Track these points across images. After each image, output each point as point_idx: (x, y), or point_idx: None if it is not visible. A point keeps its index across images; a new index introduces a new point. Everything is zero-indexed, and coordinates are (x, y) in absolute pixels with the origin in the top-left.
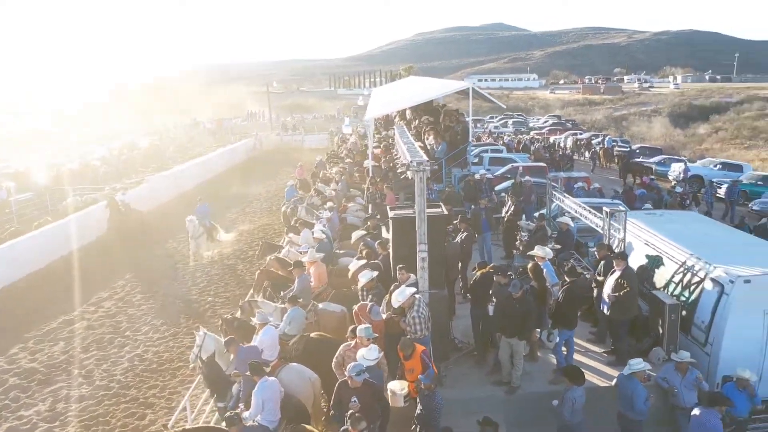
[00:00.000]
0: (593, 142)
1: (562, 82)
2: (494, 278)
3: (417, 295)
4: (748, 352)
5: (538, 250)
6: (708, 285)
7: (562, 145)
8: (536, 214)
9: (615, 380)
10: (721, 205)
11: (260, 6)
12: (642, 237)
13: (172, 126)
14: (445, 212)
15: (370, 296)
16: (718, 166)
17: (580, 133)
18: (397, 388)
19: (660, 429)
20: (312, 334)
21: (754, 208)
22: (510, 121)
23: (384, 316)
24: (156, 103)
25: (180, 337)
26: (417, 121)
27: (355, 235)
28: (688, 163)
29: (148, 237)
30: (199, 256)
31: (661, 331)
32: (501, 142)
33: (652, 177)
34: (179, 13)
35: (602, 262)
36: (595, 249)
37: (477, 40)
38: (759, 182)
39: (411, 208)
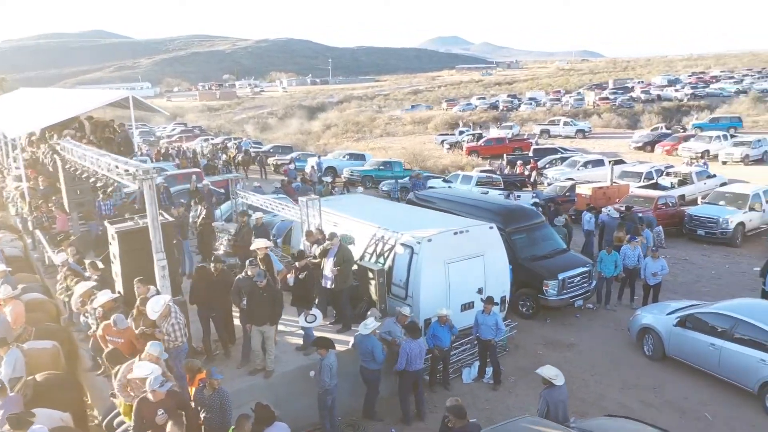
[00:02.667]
0: (228, 145)
1: (176, 89)
2: (245, 272)
3: (170, 303)
4: (438, 295)
5: (258, 243)
6: (399, 249)
7: (198, 150)
8: (232, 214)
9: (352, 342)
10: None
11: None
12: (330, 220)
13: None
14: (171, 219)
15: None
16: (346, 156)
17: (212, 138)
18: None
19: (389, 369)
20: (36, 376)
21: (383, 188)
22: (136, 132)
23: (137, 331)
24: None
25: None
26: (56, 135)
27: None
28: (321, 157)
29: None
30: None
31: (373, 295)
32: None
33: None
34: None
35: (314, 245)
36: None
37: (77, 48)
38: (381, 167)
39: (128, 221)
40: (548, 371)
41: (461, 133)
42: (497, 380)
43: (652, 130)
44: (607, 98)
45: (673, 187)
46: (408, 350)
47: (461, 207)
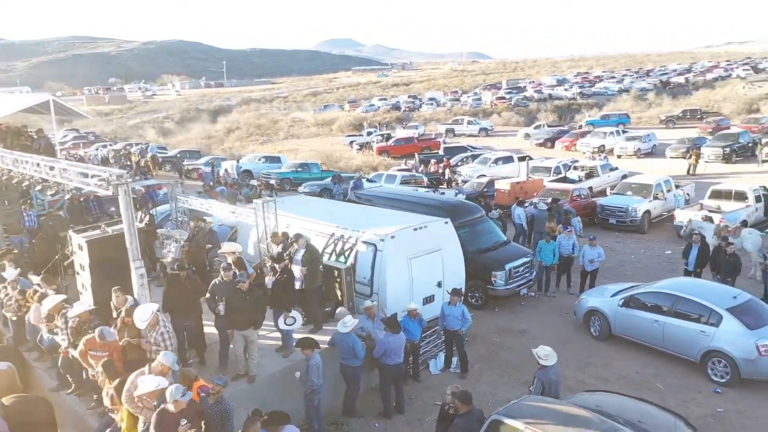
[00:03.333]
0: (132, 150)
1: (59, 94)
2: (220, 277)
3: (158, 312)
4: (402, 290)
5: (230, 247)
6: (361, 247)
7: (101, 156)
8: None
9: (330, 340)
10: None
11: None
12: (283, 222)
13: None
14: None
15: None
16: (261, 159)
17: (110, 144)
18: None
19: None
20: (2, 399)
21: (305, 190)
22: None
23: (122, 343)
24: None
25: None
26: None
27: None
28: (239, 160)
29: None
30: None
31: (339, 293)
32: None
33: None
34: None
35: (280, 247)
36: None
37: None
38: (298, 169)
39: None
40: (542, 350)
41: (369, 133)
42: (464, 369)
43: (535, 127)
44: (503, 98)
45: (580, 180)
46: (387, 343)
47: (406, 204)
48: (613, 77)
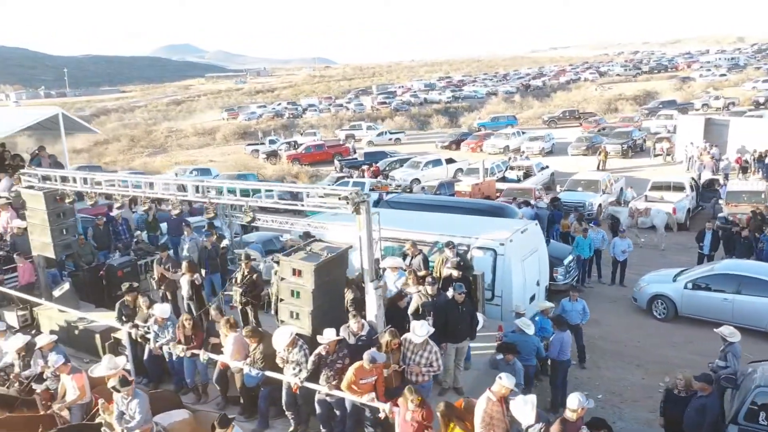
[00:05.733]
0: None
1: None
2: (420, 293)
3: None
4: (520, 291)
5: (392, 262)
6: (477, 253)
7: None
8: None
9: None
10: None
11: None
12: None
13: None
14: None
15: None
16: (193, 172)
17: None
18: None
19: None
20: None
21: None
22: None
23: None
24: None
25: None
26: None
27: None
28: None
29: None
30: None
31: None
32: None
33: None
34: None
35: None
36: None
37: None
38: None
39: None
40: (725, 330)
41: (272, 141)
42: (583, 359)
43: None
44: (384, 102)
45: (519, 180)
46: (562, 340)
47: (454, 209)
48: (474, 81)
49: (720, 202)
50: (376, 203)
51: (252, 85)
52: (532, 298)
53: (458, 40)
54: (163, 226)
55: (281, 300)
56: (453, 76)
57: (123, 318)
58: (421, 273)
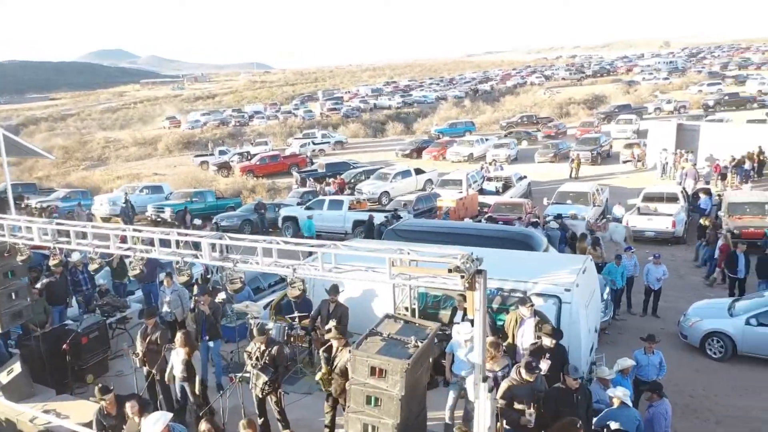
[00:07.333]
0: None
1: None
2: (515, 378)
3: None
4: (587, 346)
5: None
6: (538, 300)
7: None
8: None
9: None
10: None
11: None
12: None
13: None
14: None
15: None
16: (144, 191)
17: None
18: None
19: None
20: None
21: (222, 223)
22: None
23: None
24: None
25: None
26: None
27: None
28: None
29: None
30: None
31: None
32: None
33: None
34: None
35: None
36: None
37: None
38: (194, 199)
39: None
40: None
41: (222, 152)
42: None
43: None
44: (334, 108)
45: (498, 191)
46: (666, 414)
47: (476, 239)
48: (420, 86)
49: (720, 214)
50: (377, 232)
51: (191, 91)
52: (591, 349)
53: (393, 44)
54: None
55: (348, 407)
56: (398, 80)
57: None
58: (489, 339)
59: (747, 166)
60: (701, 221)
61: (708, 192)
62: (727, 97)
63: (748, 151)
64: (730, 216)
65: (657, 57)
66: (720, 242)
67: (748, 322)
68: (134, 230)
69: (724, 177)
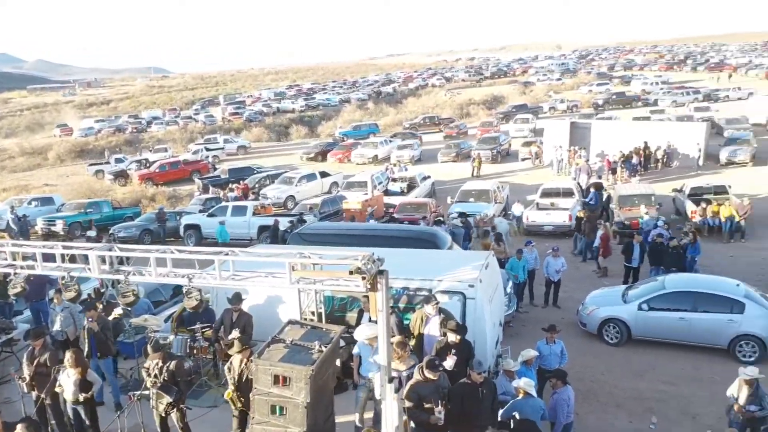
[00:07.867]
0: None
1: None
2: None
3: None
4: (492, 340)
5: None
6: (443, 297)
7: None
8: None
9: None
10: None
11: None
12: None
13: None
14: None
15: None
16: (33, 203)
17: None
18: None
19: None
20: None
21: (119, 234)
22: None
23: None
24: None
25: None
26: None
27: None
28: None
29: None
30: None
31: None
32: None
33: None
34: None
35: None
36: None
37: None
38: (88, 210)
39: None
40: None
41: (119, 160)
42: None
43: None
44: (236, 113)
45: (403, 192)
46: (568, 400)
47: (382, 240)
48: (323, 89)
49: (612, 206)
50: (280, 237)
51: (83, 97)
52: (497, 342)
53: (296, 48)
54: None
55: (252, 418)
56: (301, 84)
57: None
58: (395, 339)
59: (634, 160)
60: (578, 214)
61: (599, 186)
62: (614, 96)
63: (635, 147)
64: (620, 208)
65: (550, 59)
66: (600, 232)
67: (640, 308)
68: (13, 245)
69: (614, 171)
